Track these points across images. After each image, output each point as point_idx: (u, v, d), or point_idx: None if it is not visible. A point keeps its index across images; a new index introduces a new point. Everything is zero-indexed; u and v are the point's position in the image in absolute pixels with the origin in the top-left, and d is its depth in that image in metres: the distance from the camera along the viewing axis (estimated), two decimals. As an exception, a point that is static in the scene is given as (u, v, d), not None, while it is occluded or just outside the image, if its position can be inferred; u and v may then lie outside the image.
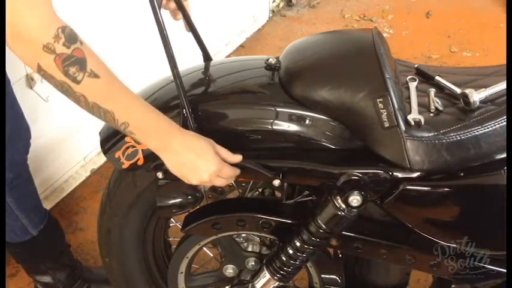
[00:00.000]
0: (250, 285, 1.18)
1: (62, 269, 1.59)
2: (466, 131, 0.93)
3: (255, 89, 1.07)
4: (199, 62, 1.16)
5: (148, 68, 1.65)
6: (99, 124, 1.10)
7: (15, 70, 1.57)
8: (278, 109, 1.01)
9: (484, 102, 0.96)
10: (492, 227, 1.01)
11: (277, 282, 1.13)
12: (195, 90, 1.07)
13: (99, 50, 0.85)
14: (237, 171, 0.99)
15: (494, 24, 2.98)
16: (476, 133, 0.93)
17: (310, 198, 1.20)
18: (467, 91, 0.95)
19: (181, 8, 1.10)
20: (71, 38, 0.79)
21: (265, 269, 1.13)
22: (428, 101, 0.98)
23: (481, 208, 0.99)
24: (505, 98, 0.96)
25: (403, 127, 0.93)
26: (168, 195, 1.04)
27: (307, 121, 1.00)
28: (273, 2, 3.11)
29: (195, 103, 1.01)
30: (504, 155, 0.94)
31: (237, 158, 0.98)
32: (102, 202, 1.24)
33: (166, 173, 1.01)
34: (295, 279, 1.25)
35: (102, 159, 2.10)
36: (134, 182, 1.16)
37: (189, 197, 1.03)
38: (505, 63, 1.02)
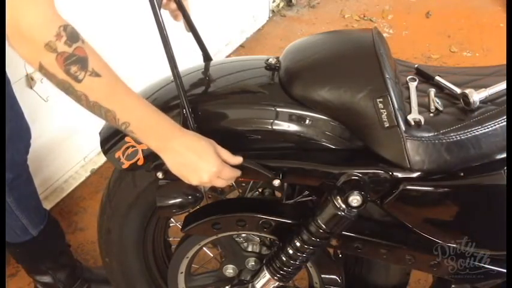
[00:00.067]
0: (250, 285, 1.18)
1: (62, 269, 1.59)
2: (466, 131, 0.93)
3: (255, 89, 1.07)
4: (199, 62, 1.16)
5: (148, 68, 1.65)
6: (99, 124, 1.11)
7: (15, 70, 1.57)
8: (278, 109, 1.01)
9: (484, 102, 0.96)
10: (492, 227, 1.01)
11: (277, 282, 1.13)
12: (195, 90, 1.07)
13: (99, 50, 0.85)
14: (238, 173, 0.99)
15: (494, 24, 2.99)
16: (476, 133, 0.93)
17: (310, 198, 1.20)
18: (467, 91, 0.95)
19: (181, 8, 1.10)
20: (73, 36, 0.79)
21: (265, 269, 1.13)
22: (428, 101, 0.98)
23: (481, 208, 0.99)
24: (505, 98, 0.96)
25: (403, 127, 0.93)
26: (168, 195, 1.03)
27: (307, 121, 1.00)
28: (273, 2, 3.11)
29: (195, 103, 1.01)
30: (504, 155, 0.94)
31: (238, 159, 0.98)
32: (102, 202, 1.24)
33: (167, 173, 1.01)
34: (295, 279, 1.25)
35: (102, 159, 2.10)
36: (134, 182, 1.16)
37: (189, 197, 1.03)
38: (505, 63, 1.02)
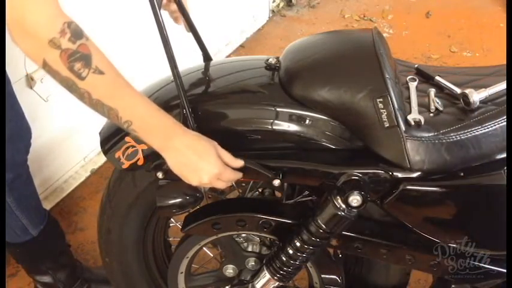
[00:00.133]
0: (250, 285, 1.18)
1: (62, 269, 1.59)
2: (466, 131, 0.93)
3: (255, 89, 1.07)
4: (199, 62, 1.16)
5: (148, 68, 1.65)
6: (99, 124, 1.11)
7: (15, 70, 1.57)
8: (278, 109, 1.01)
9: (484, 102, 0.96)
10: (492, 227, 1.01)
11: (277, 282, 1.13)
12: (195, 90, 1.07)
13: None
14: (238, 176, 0.99)
15: (494, 24, 2.99)
16: (476, 133, 0.93)
17: (310, 198, 1.20)
18: (467, 91, 0.95)
19: (181, 8, 1.10)
20: (77, 33, 0.79)
21: (265, 269, 1.13)
22: (428, 101, 0.98)
23: (481, 208, 0.99)
24: (505, 98, 0.96)
25: (403, 127, 0.93)
26: (168, 195, 1.03)
27: (307, 121, 1.00)
28: (273, 2, 3.11)
29: (195, 103, 1.01)
30: (504, 155, 0.94)
31: (239, 162, 0.97)
32: (102, 202, 1.24)
33: (167, 173, 1.01)
34: (295, 279, 1.25)
35: (102, 159, 2.10)
36: (134, 182, 1.16)
37: (189, 197, 1.03)
38: (505, 63, 1.02)
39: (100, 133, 1.10)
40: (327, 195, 1.00)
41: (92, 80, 0.81)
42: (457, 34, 2.94)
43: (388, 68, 0.97)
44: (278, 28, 3.04)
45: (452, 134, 0.93)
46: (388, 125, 0.93)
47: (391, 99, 0.93)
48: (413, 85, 1.02)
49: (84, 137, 1.98)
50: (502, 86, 0.97)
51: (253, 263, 1.20)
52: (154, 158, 1.01)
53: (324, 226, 1.00)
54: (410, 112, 0.95)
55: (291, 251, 1.06)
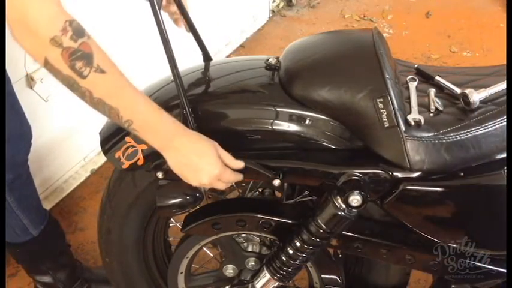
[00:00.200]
0: (250, 285, 1.18)
1: (62, 269, 1.59)
2: (466, 131, 0.93)
3: (255, 89, 1.07)
4: (199, 62, 1.16)
5: (148, 68, 1.65)
6: (99, 124, 1.11)
7: (15, 70, 1.57)
8: (278, 109, 1.01)
9: (484, 102, 0.96)
10: (492, 227, 1.01)
11: (277, 282, 1.13)
12: (195, 90, 1.07)
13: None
14: (238, 177, 0.98)
15: (494, 24, 2.99)
16: (476, 133, 0.93)
17: (310, 198, 1.20)
18: (467, 91, 0.95)
19: (181, 8, 1.10)
20: (78, 31, 0.79)
21: (265, 269, 1.13)
22: (428, 101, 0.98)
23: (481, 208, 0.99)
24: (505, 98, 0.96)
25: (403, 127, 0.93)
26: (168, 195, 1.03)
27: (307, 121, 1.00)
28: (273, 2, 3.11)
29: (195, 103, 1.01)
30: (504, 155, 0.94)
31: (239, 164, 0.97)
32: (102, 202, 1.24)
33: (167, 173, 1.01)
34: (295, 279, 1.25)
35: (102, 159, 2.10)
36: (134, 182, 1.16)
37: (189, 197, 1.03)
38: (505, 63, 1.02)
39: (100, 133, 1.10)
40: (327, 195, 1.00)
41: (93, 78, 0.81)
42: (457, 34, 2.94)
43: (388, 68, 0.97)
44: (278, 28, 3.04)
45: (452, 134, 0.93)
46: (388, 125, 0.93)
47: (391, 99, 0.93)
48: (413, 85, 1.02)
49: (84, 137, 1.98)
50: (502, 86, 0.97)
51: (253, 263, 1.20)
52: (154, 158, 1.01)
53: (324, 226, 1.00)
54: (410, 112, 0.95)
55: (291, 251, 1.06)
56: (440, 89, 1.02)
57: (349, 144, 1.00)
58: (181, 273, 1.27)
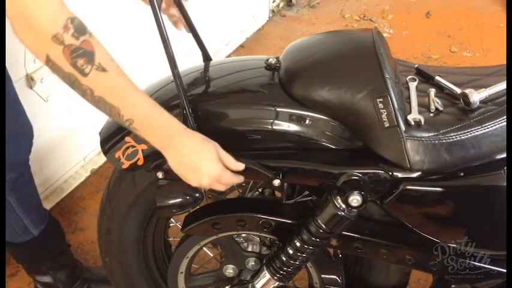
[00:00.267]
0: (250, 285, 1.18)
1: (62, 269, 1.59)
2: (466, 131, 0.93)
3: (255, 89, 1.07)
4: (199, 62, 1.16)
5: (148, 68, 1.65)
6: (99, 124, 1.11)
7: (15, 70, 1.57)
8: (278, 109, 1.01)
9: (484, 102, 0.96)
10: (492, 227, 1.01)
11: (277, 282, 1.13)
12: (195, 90, 1.07)
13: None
14: (238, 179, 0.98)
15: (494, 24, 2.99)
16: (476, 133, 0.93)
17: (310, 198, 1.20)
18: (467, 91, 0.95)
19: (181, 8, 1.10)
20: (80, 29, 0.79)
21: (265, 269, 1.13)
22: (428, 101, 0.98)
23: (481, 208, 0.99)
24: (505, 98, 0.96)
25: (403, 127, 0.93)
26: (168, 195, 1.04)
27: (307, 121, 1.00)
28: (273, 2, 3.11)
29: (195, 103, 1.01)
30: (504, 155, 0.94)
31: (240, 165, 0.97)
32: (102, 202, 1.24)
33: (167, 173, 1.01)
34: (295, 279, 1.25)
35: (102, 159, 2.10)
36: (134, 182, 1.16)
37: (189, 197, 1.03)
38: (505, 63, 1.02)
39: (100, 133, 1.10)
40: (327, 195, 1.00)
41: (94, 76, 0.81)
42: (457, 34, 2.94)
43: (388, 68, 0.97)
44: (278, 28, 3.04)
45: (452, 134, 0.93)
46: (388, 125, 0.93)
47: (391, 99, 0.93)
48: (413, 85, 1.02)
49: (84, 137, 1.98)
50: (502, 86, 0.97)
51: (253, 263, 1.20)
52: (154, 158, 1.01)
53: (324, 226, 1.00)
54: (410, 112, 0.95)
55: (291, 251, 1.06)
56: (440, 89, 1.02)
57: (349, 144, 1.00)
58: (181, 273, 1.27)
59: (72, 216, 1.95)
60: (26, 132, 1.40)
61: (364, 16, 3.13)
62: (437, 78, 1.02)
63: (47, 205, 1.89)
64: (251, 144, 1.03)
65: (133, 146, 1.03)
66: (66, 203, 1.99)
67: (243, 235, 1.20)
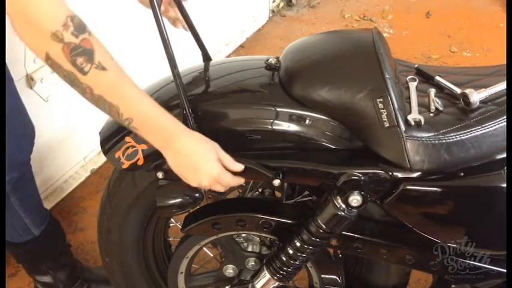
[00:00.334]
0: (250, 285, 1.18)
1: (62, 269, 1.59)
2: (466, 131, 0.93)
3: (255, 89, 1.07)
4: (199, 62, 1.16)
5: (148, 68, 1.65)
6: (99, 124, 1.11)
7: (15, 70, 1.57)
8: (278, 109, 1.01)
9: (484, 102, 0.96)
10: (492, 227, 1.01)
11: (277, 282, 1.13)
12: (195, 90, 1.07)
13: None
14: (238, 181, 0.98)
15: (494, 24, 2.99)
16: (476, 133, 0.93)
17: (310, 198, 1.20)
18: (467, 91, 0.95)
19: (181, 8, 1.10)
20: (80, 27, 0.79)
21: (265, 269, 1.13)
22: (428, 101, 0.98)
23: (481, 208, 0.99)
24: (505, 98, 0.96)
25: (403, 127, 0.93)
26: (168, 195, 1.04)
27: (307, 121, 1.00)
28: (273, 2, 3.11)
29: (195, 103, 1.01)
30: (504, 155, 0.94)
31: (239, 166, 0.97)
32: (102, 202, 1.24)
33: (167, 173, 1.01)
34: (295, 279, 1.25)
35: (102, 159, 2.10)
36: (134, 182, 1.16)
37: (189, 197, 1.03)
38: (505, 63, 1.02)
39: (100, 133, 1.10)
40: (327, 195, 1.00)
41: (94, 75, 0.81)
42: (457, 34, 2.94)
43: (388, 68, 0.97)
44: (278, 28, 3.04)
45: (452, 134, 0.93)
46: (388, 125, 0.93)
47: (391, 99, 0.93)
48: (413, 85, 1.02)
49: (84, 137, 1.98)
50: (502, 86, 0.97)
51: (253, 263, 1.20)
52: (154, 158, 1.01)
53: (324, 226, 1.00)
54: (410, 112, 0.95)
55: (291, 251, 1.06)
56: (440, 89, 1.02)
57: (349, 144, 1.00)
58: (181, 273, 1.27)
59: (72, 216, 1.95)
60: (28, 132, 1.40)
61: (364, 16, 3.13)
62: (437, 78, 1.02)
63: (47, 205, 1.89)
64: (251, 144, 1.03)
65: (133, 146, 1.03)
66: (66, 203, 1.99)
67: (243, 235, 1.20)
